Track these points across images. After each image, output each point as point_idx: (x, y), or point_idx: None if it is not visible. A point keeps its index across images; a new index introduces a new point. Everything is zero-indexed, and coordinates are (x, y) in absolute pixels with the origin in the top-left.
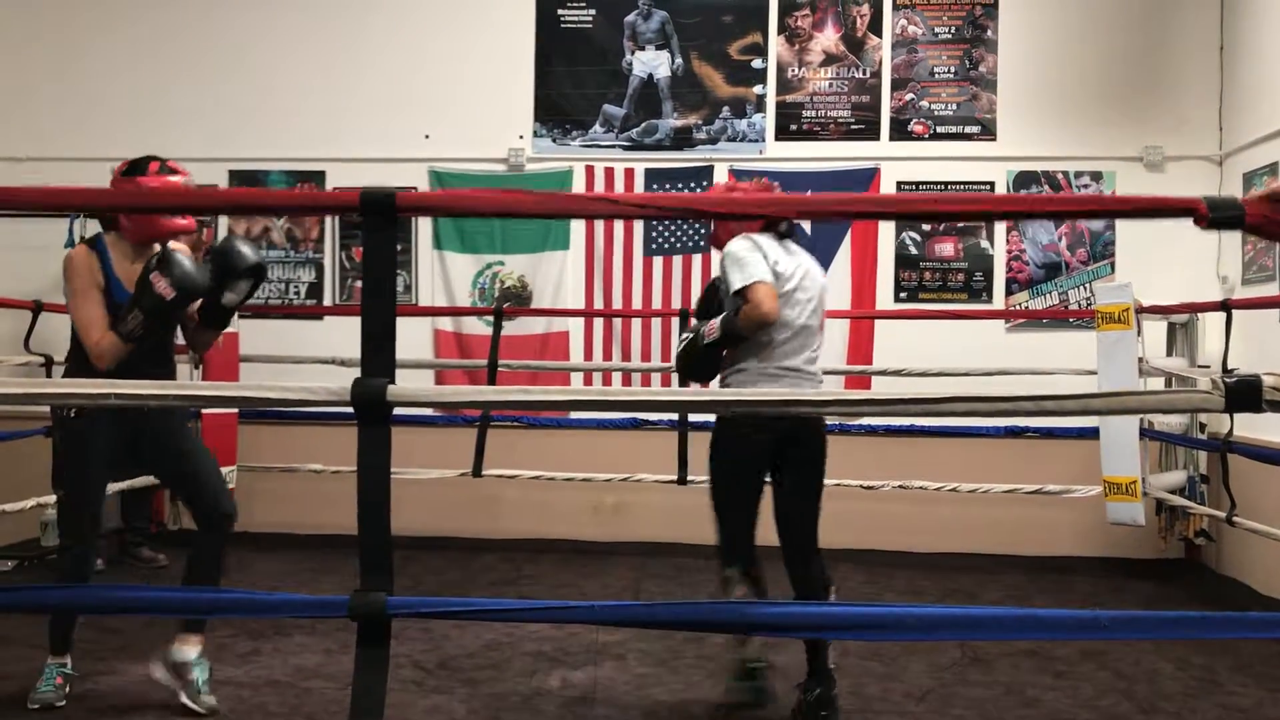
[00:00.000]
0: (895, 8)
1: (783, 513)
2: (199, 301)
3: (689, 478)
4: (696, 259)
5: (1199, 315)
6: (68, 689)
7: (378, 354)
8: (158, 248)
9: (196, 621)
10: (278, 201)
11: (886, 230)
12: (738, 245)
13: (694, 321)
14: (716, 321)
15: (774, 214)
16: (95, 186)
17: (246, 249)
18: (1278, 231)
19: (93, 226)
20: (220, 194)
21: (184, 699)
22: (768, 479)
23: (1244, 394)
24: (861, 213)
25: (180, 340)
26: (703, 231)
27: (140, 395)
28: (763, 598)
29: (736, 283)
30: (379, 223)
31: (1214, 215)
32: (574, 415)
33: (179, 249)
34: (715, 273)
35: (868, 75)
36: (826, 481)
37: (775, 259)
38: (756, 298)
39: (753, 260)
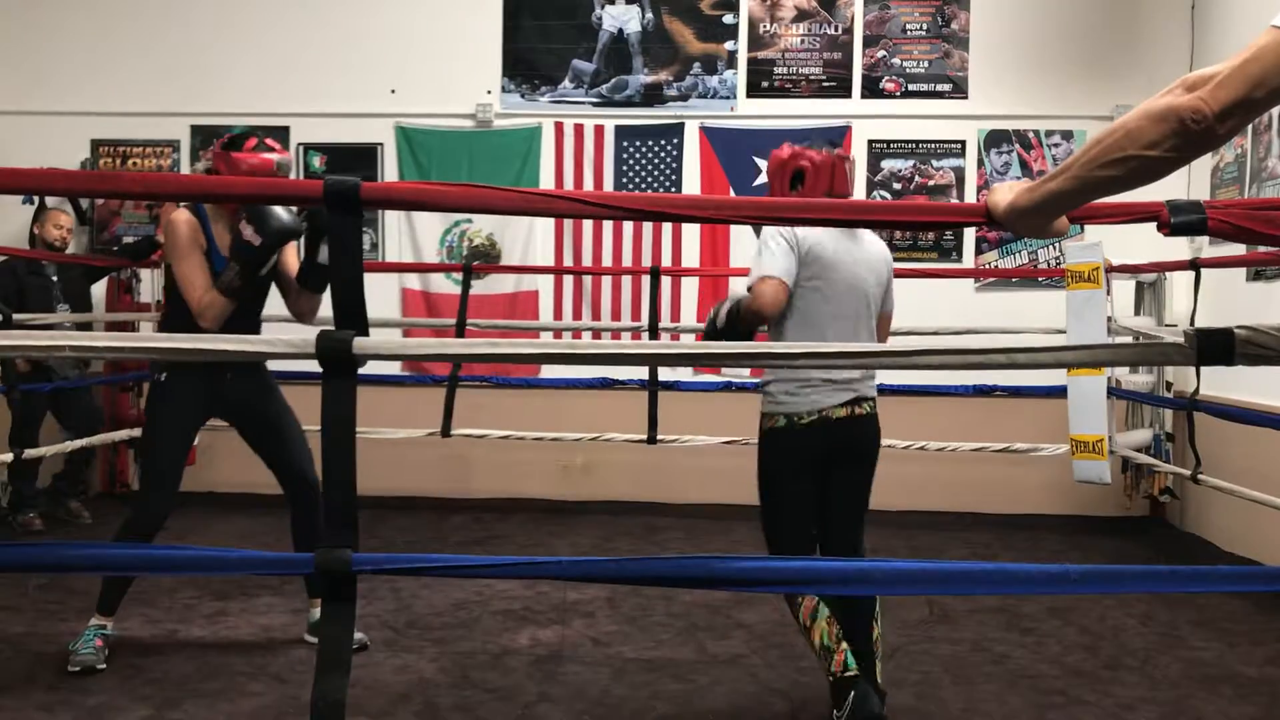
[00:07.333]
0: None
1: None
2: (298, 268)
3: (658, 437)
4: None
5: (1167, 274)
6: (106, 651)
7: (347, 317)
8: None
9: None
10: (239, 190)
11: (857, 188)
12: (770, 231)
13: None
14: (724, 309)
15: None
16: (59, 169)
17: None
18: (1238, 235)
19: None
20: (179, 181)
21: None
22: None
23: (1216, 346)
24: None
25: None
26: (672, 187)
27: (95, 347)
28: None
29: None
30: (343, 214)
31: (1176, 221)
32: (543, 375)
33: None
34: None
35: (840, 32)
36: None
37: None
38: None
39: (777, 252)
